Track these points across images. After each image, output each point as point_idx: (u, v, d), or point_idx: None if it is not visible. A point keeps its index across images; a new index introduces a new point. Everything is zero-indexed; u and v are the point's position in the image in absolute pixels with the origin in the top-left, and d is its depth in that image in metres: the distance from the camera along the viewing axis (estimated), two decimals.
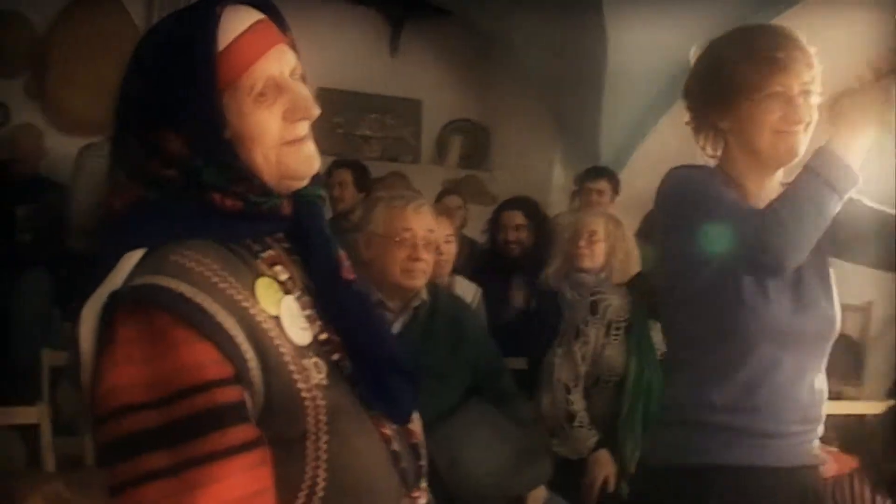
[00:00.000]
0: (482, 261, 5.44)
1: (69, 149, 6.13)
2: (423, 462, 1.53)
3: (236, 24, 1.37)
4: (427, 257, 3.04)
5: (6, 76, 6.48)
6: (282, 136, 1.39)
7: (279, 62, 1.40)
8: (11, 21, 6.37)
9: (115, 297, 1.30)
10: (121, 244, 1.36)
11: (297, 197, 1.46)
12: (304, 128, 1.42)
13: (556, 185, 7.06)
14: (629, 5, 5.77)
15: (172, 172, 1.36)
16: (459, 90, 7.64)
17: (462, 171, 7.54)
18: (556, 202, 6.46)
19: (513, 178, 7.23)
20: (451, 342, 3.18)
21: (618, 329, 3.58)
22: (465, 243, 5.26)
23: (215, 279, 1.32)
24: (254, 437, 1.29)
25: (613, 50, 6.07)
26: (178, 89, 1.34)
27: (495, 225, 5.35)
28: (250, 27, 1.38)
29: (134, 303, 1.28)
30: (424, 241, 3.03)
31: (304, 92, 1.41)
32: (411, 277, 3.02)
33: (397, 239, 3.00)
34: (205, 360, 1.26)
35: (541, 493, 3.22)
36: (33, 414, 3.25)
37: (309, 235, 1.47)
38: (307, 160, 1.43)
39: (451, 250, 4.21)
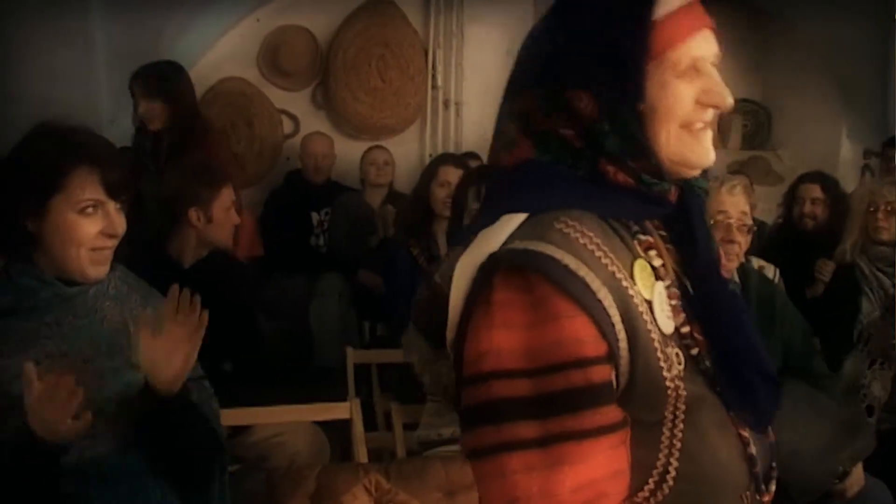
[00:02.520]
0: (776, 238, 5.41)
1: (355, 153, 6.35)
2: (776, 463, 1.49)
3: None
4: (741, 239, 2.99)
5: (296, 89, 6.74)
6: (688, 117, 1.38)
7: (706, 46, 1.39)
8: (297, 37, 6.63)
9: (495, 258, 1.30)
10: (503, 205, 1.37)
11: (685, 186, 1.45)
12: (710, 115, 1.40)
13: (843, 160, 6.81)
14: None
15: (571, 133, 1.37)
16: (736, 70, 7.33)
17: (745, 152, 7.34)
18: (845, 178, 6.15)
19: (798, 156, 7.02)
20: (764, 324, 3.11)
21: None
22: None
23: (598, 254, 1.31)
24: (620, 418, 1.29)
25: None
26: (607, 51, 1.34)
27: (791, 198, 5.33)
28: (685, 5, 1.37)
29: (515, 267, 1.28)
30: (739, 222, 2.98)
31: (720, 80, 1.40)
32: (725, 260, 2.93)
33: (712, 222, 2.91)
34: (584, 335, 1.26)
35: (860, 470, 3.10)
36: (345, 409, 3.36)
37: (694, 227, 1.45)
38: (706, 151, 1.41)
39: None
